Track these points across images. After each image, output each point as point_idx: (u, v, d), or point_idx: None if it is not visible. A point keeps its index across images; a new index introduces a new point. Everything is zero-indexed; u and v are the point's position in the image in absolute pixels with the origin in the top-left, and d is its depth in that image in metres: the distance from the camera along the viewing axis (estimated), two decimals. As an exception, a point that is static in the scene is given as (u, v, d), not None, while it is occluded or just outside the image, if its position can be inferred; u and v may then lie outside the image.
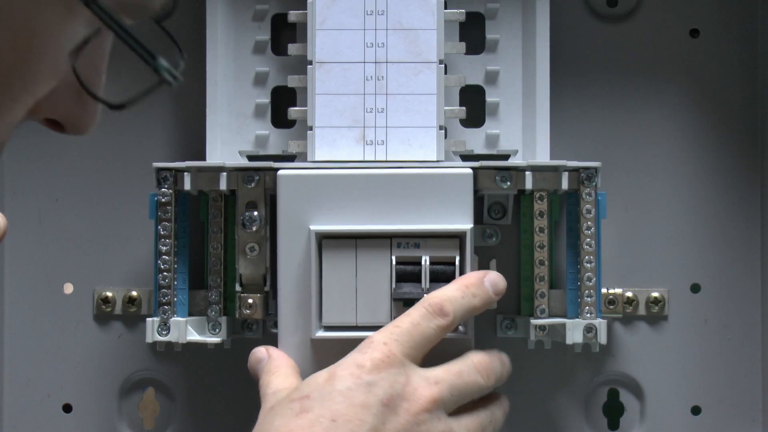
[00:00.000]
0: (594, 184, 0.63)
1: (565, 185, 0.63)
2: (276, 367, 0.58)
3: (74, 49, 0.38)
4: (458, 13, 0.65)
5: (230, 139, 0.66)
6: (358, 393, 0.52)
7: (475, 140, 0.66)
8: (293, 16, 0.65)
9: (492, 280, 0.58)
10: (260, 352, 0.60)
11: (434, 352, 0.57)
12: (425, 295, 0.58)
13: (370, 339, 0.55)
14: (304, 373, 0.59)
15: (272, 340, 0.62)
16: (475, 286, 0.57)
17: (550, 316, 0.64)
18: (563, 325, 0.63)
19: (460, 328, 0.60)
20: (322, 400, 0.52)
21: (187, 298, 0.65)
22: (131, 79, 0.44)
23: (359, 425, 0.51)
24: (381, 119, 0.63)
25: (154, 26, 0.41)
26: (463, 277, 0.58)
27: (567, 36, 0.68)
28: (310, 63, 0.63)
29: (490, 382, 0.56)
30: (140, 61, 0.38)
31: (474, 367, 0.56)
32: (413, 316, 0.55)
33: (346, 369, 0.53)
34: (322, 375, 0.53)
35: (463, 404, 0.55)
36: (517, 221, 0.67)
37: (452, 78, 0.65)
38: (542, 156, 0.64)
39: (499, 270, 0.67)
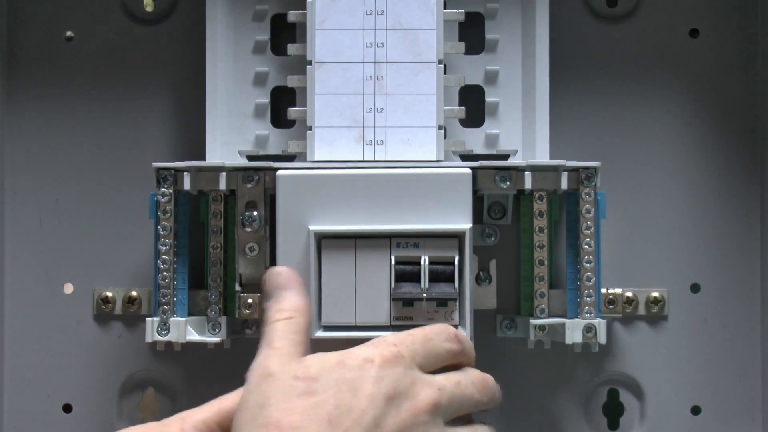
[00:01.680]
0: (593, 183, 0.63)
1: (564, 185, 0.63)
2: (286, 283, 0.58)
3: None
4: (458, 13, 0.65)
5: (230, 139, 0.66)
6: (366, 384, 0.52)
7: (474, 140, 0.66)
8: (293, 16, 0.65)
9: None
10: (278, 268, 0.60)
11: None
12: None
13: (383, 338, 0.55)
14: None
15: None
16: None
17: (550, 316, 0.64)
18: (563, 325, 0.63)
19: (461, 329, 0.60)
20: (329, 385, 0.52)
21: (187, 297, 0.65)
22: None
23: (361, 415, 0.51)
24: (380, 119, 0.63)
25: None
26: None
27: (567, 36, 0.68)
28: (310, 63, 0.63)
29: (484, 399, 0.56)
30: None
31: (472, 381, 0.56)
32: (428, 330, 0.56)
33: (355, 360, 0.53)
34: (331, 359, 0.53)
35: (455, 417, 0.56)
36: (517, 221, 0.67)
37: (452, 78, 0.65)
38: (542, 156, 0.64)
39: (498, 270, 0.67)
